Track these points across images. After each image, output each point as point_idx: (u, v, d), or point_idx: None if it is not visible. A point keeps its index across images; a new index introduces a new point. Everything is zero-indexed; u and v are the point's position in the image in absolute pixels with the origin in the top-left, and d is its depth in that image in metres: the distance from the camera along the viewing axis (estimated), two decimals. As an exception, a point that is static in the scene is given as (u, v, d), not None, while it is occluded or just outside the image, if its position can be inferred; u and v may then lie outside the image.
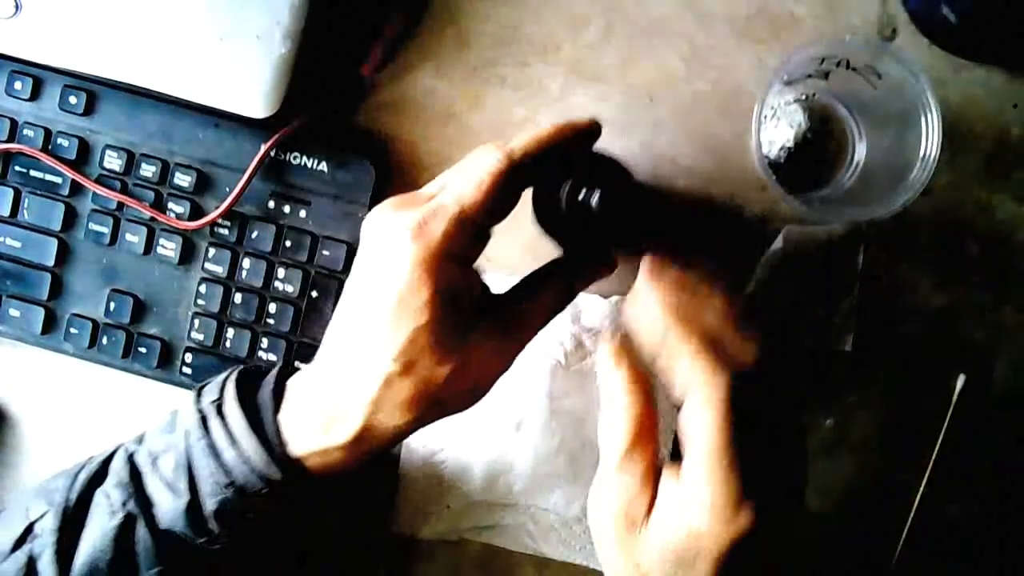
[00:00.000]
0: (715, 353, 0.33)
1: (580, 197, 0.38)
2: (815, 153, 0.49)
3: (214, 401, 0.37)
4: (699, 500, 0.32)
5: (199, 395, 0.38)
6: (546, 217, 0.42)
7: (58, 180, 0.49)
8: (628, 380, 0.37)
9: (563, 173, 0.39)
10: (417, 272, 0.34)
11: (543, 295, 0.39)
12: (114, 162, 0.49)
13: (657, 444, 0.35)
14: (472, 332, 0.36)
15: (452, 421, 0.49)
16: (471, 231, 0.35)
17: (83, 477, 0.38)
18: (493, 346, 0.37)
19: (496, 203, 0.35)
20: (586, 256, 0.41)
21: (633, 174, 0.41)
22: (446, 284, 0.34)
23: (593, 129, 0.39)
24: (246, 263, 0.49)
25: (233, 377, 0.38)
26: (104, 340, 0.49)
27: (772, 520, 0.32)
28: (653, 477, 0.34)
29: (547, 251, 0.50)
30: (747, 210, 0.49)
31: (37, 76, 0.49)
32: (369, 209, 0.48)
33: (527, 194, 0.49)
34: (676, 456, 0.34)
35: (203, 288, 0.49)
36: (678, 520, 0.33)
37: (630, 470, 0.35)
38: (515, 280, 0.48)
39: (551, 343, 0.49)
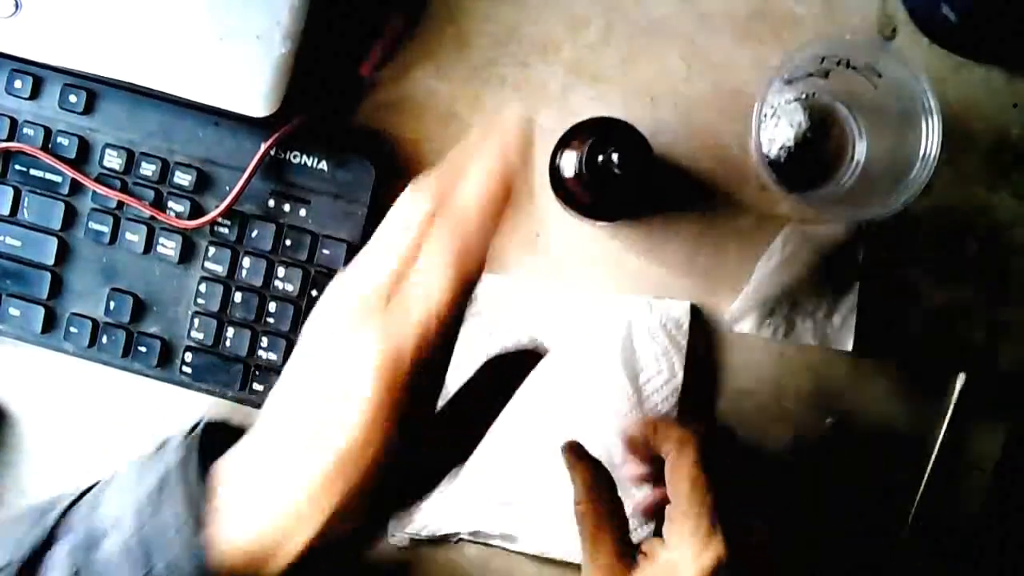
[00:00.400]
0: (685, 426, 0.41)
1: (600, 160, 0.40)
2: (815, 153, 0.49)
3: (177, 462, 0.35)
4: (677, 538, 0.38)
5: (159, 453, 0.36)
6: (564, 186, 0.43)
7: (58, 179, 0.49)
8: (590, 472, 0.42)
9: (579, 140, 0.41)
10: (373, 426, 0.30)
11: (485, 404, 0.37)
12: (114, 161, 0.49)
13: (624, 522, 0.41)
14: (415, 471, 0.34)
15: None
16: (446, 342, 0.31)
17: (33, 538, 0.35)
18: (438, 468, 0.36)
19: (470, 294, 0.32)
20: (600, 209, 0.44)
21: (644, 135, 0.43)
22: (398, 441, 0.31)
23: (529, 137, 0.33)
24: (246, 262, 0.49)
25: (196, 434, 0.36)
26: (104, 339, 0.49)
27: (743, 551, 0.37)
28: (627, 548, 0.40)
29: (547, 249, 0.50)
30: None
31: (37, 75, 0.49)
32: (369, 209, 0.49)
33: (535, 174, 0.50)
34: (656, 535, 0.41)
35: (203, 287, 0.49)
36: (657, 566, 0.38)
37: (604, 542, 0.40)
38: (512, 282, 0.48)
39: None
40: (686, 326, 0.49)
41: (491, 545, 0.50)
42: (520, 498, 0.49)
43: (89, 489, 0.39)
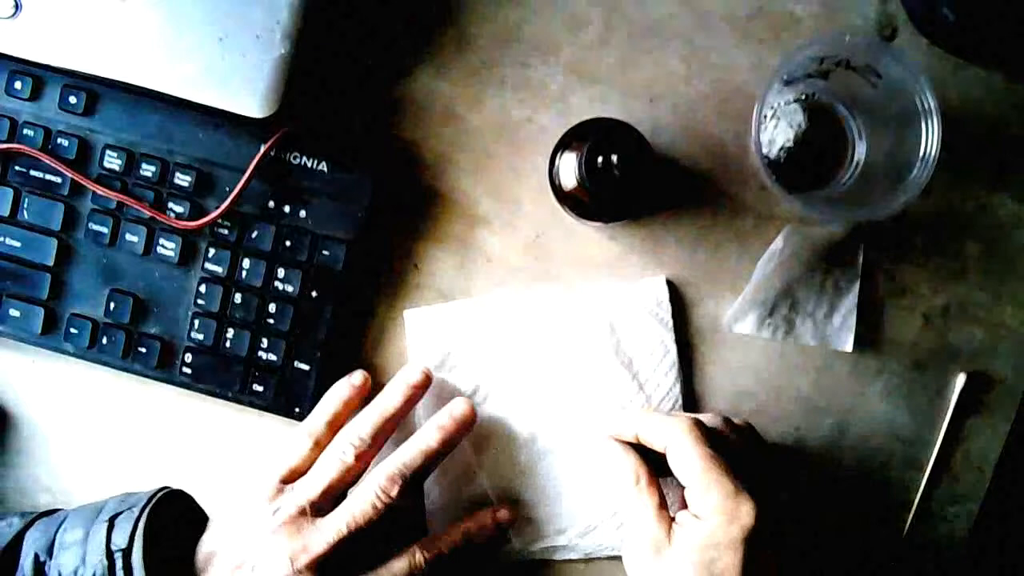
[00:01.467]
0: (672, 415, 0.43)
1: (600, 161, 0.40)
2: (815, 153, 0.49)
3: (123, 549, 0.40)
4: (706, 508, 0.39)
5: (112, 525, 0.41)
6: (564, 187, 0.43)
7: (58, 180, 0.49)
8: (621, 447, 0.44)
9: (578, 141, 0.41)
10: None
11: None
12: (114, 162, 0.49)
13: (659, 487, 0.42)
14: None
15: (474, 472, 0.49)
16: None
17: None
18: None
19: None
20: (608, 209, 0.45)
21: (644, 136, 0.43)
22: None
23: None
24: (246, 263, 0.49)
25: (142, 523, 0.41)
26: (104, 340, 0.49)
27: (770, 509, 0.39)
28: (666, 512, 0.41)
29: (547, 250, 0.50)
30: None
31: (37, 76, 0.49)
32: (369, 210, 0.49)
33: (535, 174, 0.50)
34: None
35: (203, 288, 0.49)
36: (694, 532, 0.39)
37: (644, 505, 0.41)
38: (480, 302, 0.50)
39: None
40: (666, 301, 0.49)
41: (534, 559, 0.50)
42: (541, 507, 0.49)
43: (42, 515, 0.44)
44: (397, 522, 0.44)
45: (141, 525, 0.41)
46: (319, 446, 0.46)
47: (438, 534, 0.46)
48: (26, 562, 0.41)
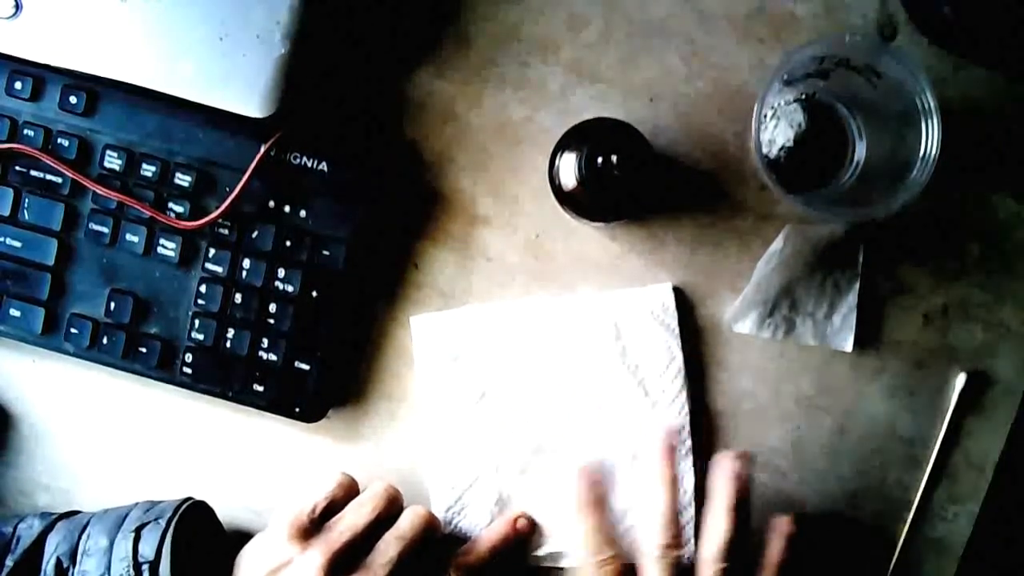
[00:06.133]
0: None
1: (599, 161, 0.40)
2: (815, 153, 0.49)
3: (150, 561, 0.40)
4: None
5: (139, 536, 0.41)
6: (564, 187, 0.43)
7: (58, 180, 0.49)
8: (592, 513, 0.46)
9: (578, 141, 0.42)
10: None
11: None
12: (114, 162, 0.49)
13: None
14: None
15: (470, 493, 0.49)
16: None
17: (9, 564, 0.41)
18: None
19: None
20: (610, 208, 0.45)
21: (644, 136, 0.43)
22: None
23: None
24: (246, 263, 0.49)
25: (169, 536, 0.41)
26: (104, 340, 0.49)
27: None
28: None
29: (547, 250, 0.50)
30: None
31: (37, 76, 0.49)
32: (369, 212, 0.49)
33: (535, 174, 0.50)
34: None
35: (203, 288, 0.49)
36: None
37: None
38: (487, 310, 0.50)
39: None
40: (672, 307, 0.49)
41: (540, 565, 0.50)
42: (548, 517, 0.49)
43: (61, 517, 0.44)
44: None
45: (168, 538, 0.41)
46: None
47: (466, 550, 0.46)
48: (48, 565, 0.41)
